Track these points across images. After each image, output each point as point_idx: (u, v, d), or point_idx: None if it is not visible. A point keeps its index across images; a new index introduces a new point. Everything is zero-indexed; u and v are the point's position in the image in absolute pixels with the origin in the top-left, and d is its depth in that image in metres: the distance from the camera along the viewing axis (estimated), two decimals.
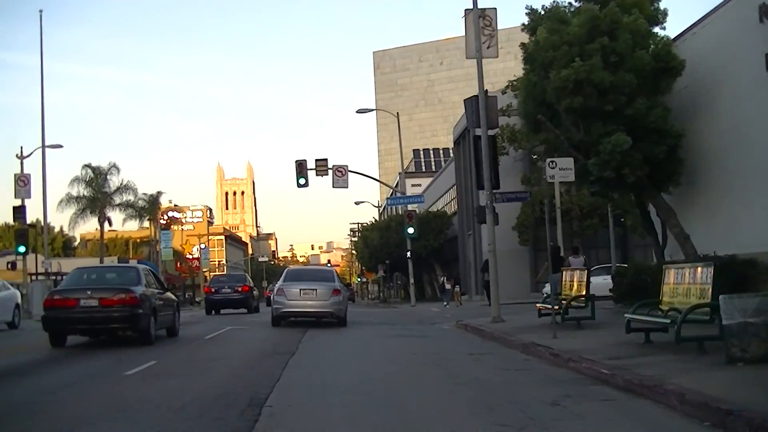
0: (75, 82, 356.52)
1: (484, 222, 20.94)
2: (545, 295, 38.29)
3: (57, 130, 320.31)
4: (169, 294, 19.44)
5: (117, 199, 72.67)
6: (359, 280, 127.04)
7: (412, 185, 63.49)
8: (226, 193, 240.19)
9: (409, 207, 44.94)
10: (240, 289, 35.85)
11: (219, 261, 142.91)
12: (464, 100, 21.41)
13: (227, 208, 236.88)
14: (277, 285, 23.55)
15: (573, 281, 17.14)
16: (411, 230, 41.66)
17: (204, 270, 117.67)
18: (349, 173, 42.16)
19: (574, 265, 24.70)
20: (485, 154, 20.57)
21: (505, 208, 45.54)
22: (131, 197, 72.83)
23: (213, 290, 36.59)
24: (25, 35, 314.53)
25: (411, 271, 43.58)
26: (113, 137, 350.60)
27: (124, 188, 72.62)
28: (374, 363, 12.93)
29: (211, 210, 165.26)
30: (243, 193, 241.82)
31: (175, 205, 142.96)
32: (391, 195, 51.47)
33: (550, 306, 18.05)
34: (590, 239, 43.02)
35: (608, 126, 16.83)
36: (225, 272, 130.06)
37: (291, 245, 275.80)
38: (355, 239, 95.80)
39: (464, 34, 20.87)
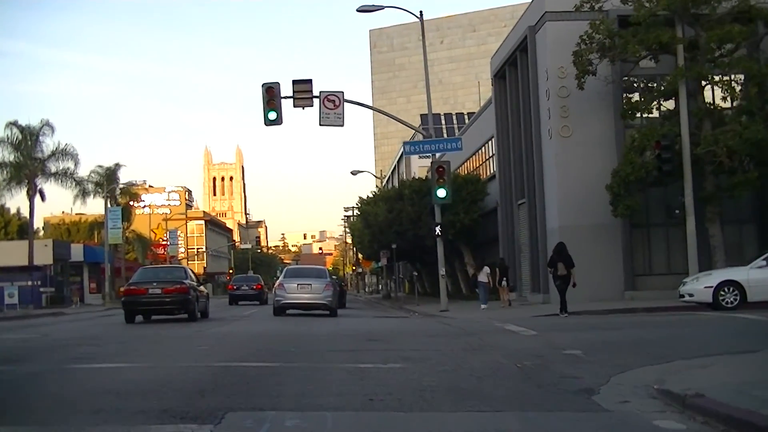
0: (60, 69, 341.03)
1: None
2: (685, 296, 23.30)
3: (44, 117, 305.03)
4: (202, 287, 26.59)
5: (53, 167, 57.41)
6: (354, 270, 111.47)
7: (420, 156, 43.91)
8: (214, 179, 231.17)
9: (435, 158, 29.52)
10: (255, 287, 47.17)
11: (198, 248, 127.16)
12: None
13: (215, 194, 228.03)
14: (277, 281, 28.61)
15: None
16: (443, 192, 26.25)
17: (180, 257, 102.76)
18: (345, 103, 27.10)
19: None
20: None
21: (591, 154, 30.19)
22: (70, 164, 57.56)
23: (234, 287, 48.38)
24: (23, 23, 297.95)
25: (441, 256, 27.91)
26: (97, 123, 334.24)
27: (60, 153, 57.03)
28: None
29: (190, 192, 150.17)
30: (231, 178, 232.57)
31: (150, 186, 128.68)
32: (412, 139, 35.65)
33: None
34: (727, 209, 27.26)
35: None
36: (224, 267, 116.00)
37: (283, 234, 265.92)
38: (351, 221, 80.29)
39: None
